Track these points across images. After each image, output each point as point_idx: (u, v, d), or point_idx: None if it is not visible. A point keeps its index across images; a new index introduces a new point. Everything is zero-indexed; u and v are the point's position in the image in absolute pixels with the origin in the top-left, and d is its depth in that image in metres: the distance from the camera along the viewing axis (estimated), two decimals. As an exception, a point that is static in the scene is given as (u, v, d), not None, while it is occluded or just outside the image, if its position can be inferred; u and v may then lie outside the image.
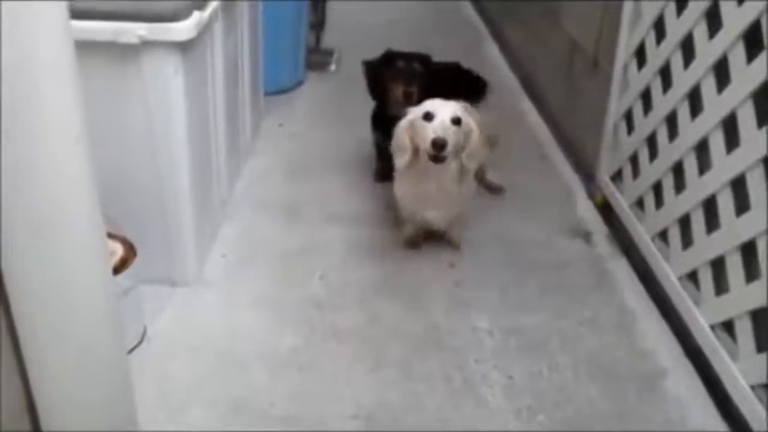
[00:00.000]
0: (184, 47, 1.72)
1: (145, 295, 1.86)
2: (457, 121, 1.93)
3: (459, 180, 2.06)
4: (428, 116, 1.93)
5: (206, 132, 2.06)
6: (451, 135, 1.90)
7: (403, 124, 2.01)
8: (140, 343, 1.82)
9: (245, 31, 2.46)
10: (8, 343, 1.13)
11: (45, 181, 1.02)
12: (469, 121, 1.99)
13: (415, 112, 1.99)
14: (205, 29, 1.87)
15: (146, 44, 1.66)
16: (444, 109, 1.94)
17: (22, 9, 0.91)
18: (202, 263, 2.10)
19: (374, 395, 1.71)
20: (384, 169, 2.47)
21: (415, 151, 2.00)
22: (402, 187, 2.15)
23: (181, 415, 1.62)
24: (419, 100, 2.05)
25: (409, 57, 2.45)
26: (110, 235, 1.68)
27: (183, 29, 1.69)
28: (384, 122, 2.38)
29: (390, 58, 2.47)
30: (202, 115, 1.99)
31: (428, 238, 2.30)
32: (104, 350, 1.21)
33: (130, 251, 1.75)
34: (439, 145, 1.87)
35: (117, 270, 1.68)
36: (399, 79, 2.38)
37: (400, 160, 2.02)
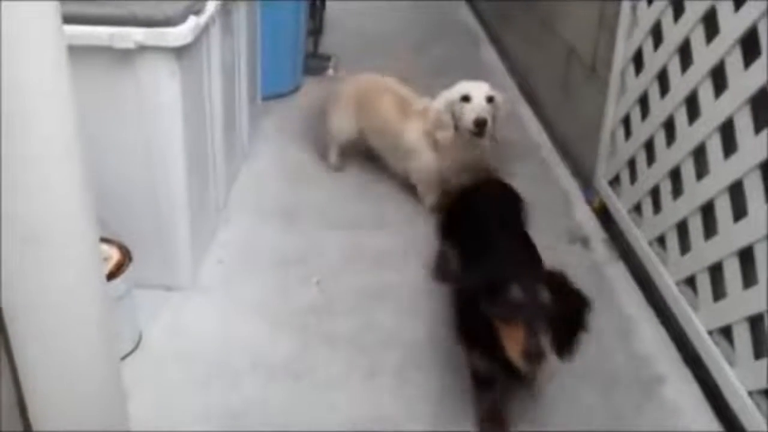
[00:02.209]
0: (180, 52, 1.71)
1: (141, 300, 1.84)
2: (490, 100, 2.24)
3: (490, 143, 2.35)
4: (466, 98, 2.23)
5: (203, 137, 2.06)
6: (487, 113, 2.21)
7: (441, 105, 2.29)
8: (135, 349, 1.81)
9: (242, 35, 2.46)
10: (1, 347, 1.12)
11: (38, 187, 1.02)
12: (497, 95, 2.28)
13: (451, 93, 2.27)
14: (202, 34, 1.86)
15: (142, 49, 1.66)
16: (478, 90, 2.24)
17: (12, 21, 0.90)
18: (198, 268, 2.09)
19: (369, 403, 1.70)
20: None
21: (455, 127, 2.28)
22: (444, 159, 2.38)
23: (175, 421, 1.61)
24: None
25: (526, 277, 1.44)
26: (105, 240, 1.68)
27: (179, 34, 1.68)
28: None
29: (499, 279, 1.42)
30: (198, 119, 1.99)
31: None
32: (97, 356, 1.20)
33: (126, 256, 1.74)
34: (481, 123, 2.19)
35: (112, 275, 1.67)
36: (520, 325, 1.35)
37: (446, 135, 2.29)
